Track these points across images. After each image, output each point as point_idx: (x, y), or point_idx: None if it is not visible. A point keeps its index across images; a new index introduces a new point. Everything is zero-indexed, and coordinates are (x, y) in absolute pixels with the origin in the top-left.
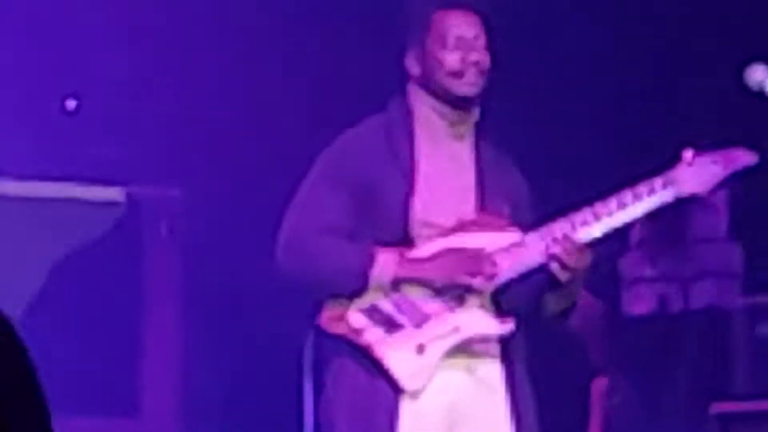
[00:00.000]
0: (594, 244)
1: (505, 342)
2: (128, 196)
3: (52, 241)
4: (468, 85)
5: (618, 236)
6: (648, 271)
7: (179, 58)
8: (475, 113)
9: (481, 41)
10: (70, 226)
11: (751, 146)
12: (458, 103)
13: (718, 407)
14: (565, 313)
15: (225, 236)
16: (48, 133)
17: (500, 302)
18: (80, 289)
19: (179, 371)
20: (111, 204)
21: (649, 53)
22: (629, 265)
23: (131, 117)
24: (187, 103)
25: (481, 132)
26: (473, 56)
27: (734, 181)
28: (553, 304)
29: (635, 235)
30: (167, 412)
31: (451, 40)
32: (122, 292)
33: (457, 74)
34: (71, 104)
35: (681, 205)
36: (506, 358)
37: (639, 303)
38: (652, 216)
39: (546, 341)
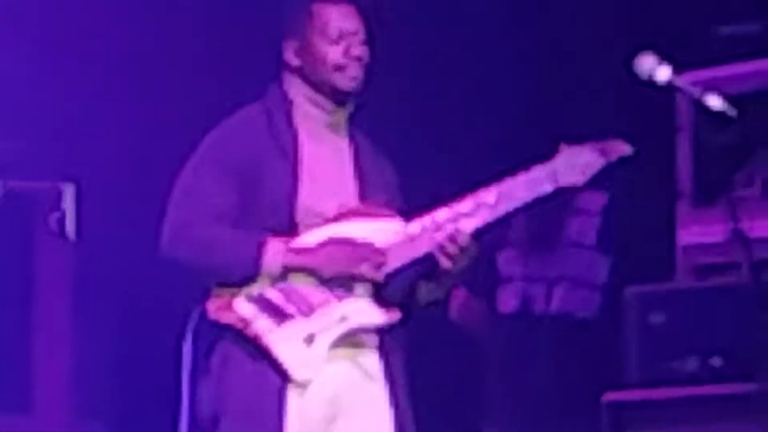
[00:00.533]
0: (476, 234)
1: (382, 332)
2: (9, 189)
3: None
4: (350, 80)
5: (497, 231)
6: (518, 270)
7: (69, 51)
8: (351, 105)
9: (362, 34)
10: None
11: (633, 137)
12: (338, 97)
13: (609, 396)
14: (436, 303)
15: (115, 229)
16: None
17: (380, 291)
18: None
19: (70, 366)
20: None
21: (534, 40)
22: (504, 262)
23: (20, 111)
24: (77, 96)
25: (354, 122)
26: (355, 50)
27: (611, 188)
28: (426, 292)
29: (512, 233)
30: (59, 407)
31: (333, 33)
32: (10, 286)
33: (340, 68)
34: None
35: (558, 205)
36: (384, 349)
37: (507, 301)
38: (531, 212)
39: (429, 331)
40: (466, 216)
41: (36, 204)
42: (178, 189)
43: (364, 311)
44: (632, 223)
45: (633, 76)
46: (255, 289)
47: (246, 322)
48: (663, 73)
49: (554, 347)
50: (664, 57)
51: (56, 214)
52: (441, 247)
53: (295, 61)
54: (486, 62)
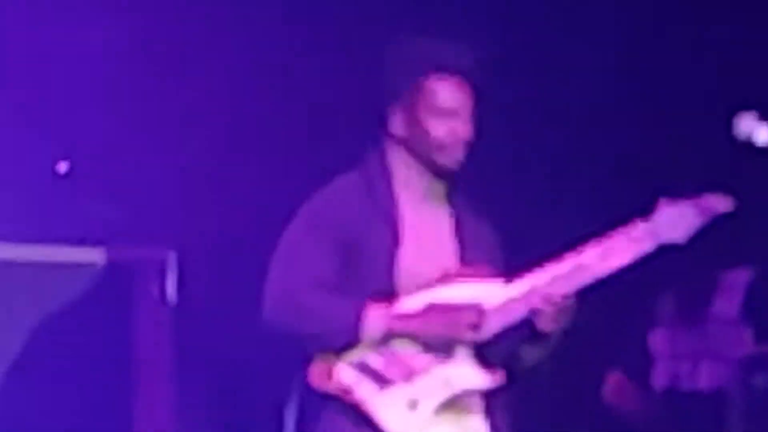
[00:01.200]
0: (578, 294)
1: (487, 395)
2: (109, 257)
3: (31, 305)
4: (452, 159)
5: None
6: (667, 348)
7: (169, 121)
8: (452, 177)
9: (468, 111)
10: (47, 289)
11: (735, 196)
12: (439, 172)
13: None
14: (541, 366)
15: (216, 297)
16: (39, 196)
17: (483, 354)
18: (63, 354)
19: None
20: (89, 266)
21: (635, 94)
22: (654, 341)
23: (123, 179)
24: (178, 164)
25: (455, 187)
26: (460, 129)
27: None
28: (529, 356)
29: (661, 310)
30: None
31: (440, 110)
32: (112, 352)
33: (443, 147)
34: (63, 167)
35: (704, 280)
36: (490, 412)
37: (657, 379)
38: (678, 289)
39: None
40: (564, 278)
41: (138, 272)
42: (279, 255)
43: (467, 375)
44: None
45: (732, 136)
46: (356, 355)
47: (348, 390)
48: (763, 134)
49: (700, 423)
50: (765, 117)
51: (158, 282)
52: (537, 311)
53: (399, 132)
54: (585, 117)
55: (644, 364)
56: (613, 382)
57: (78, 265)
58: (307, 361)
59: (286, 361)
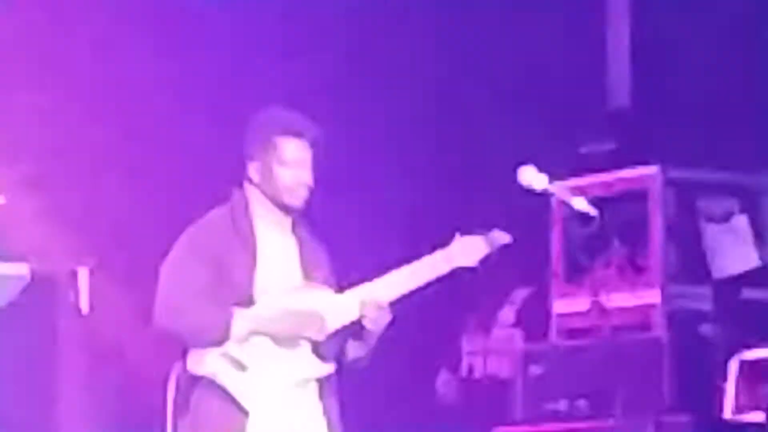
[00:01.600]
0: (393, 303)
1: (320, 380)
2: (32, 271)
3: None
4: (297, 199)
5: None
6: (468, 347)
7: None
8: (296, 213)
9: (309, 163)
10: None
11: (514, 231)
12: (287, 210)
13: (499, 430)
14: (361, 360)
15: (125, 305)
16: None
17: (318, 348)
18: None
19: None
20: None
21: (439, 158)
22: (463, 342)
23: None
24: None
25: (296, 219)
26: (304, 177)
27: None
28: (353, 350)
29: (467, 320)
30: None
31: (285, 159)
32: (34, 350)
33: (290, 189)
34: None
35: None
36: (322, 393)
37: (463, 370)
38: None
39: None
40: (384, 290)
41: (58, 283)
42: (164, 275)
43: (307, 364)
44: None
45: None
46: (224, 348)
47: (215, 374)
48: (540, 181)
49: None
50: (541, 169)
51: (74, 292)
52: (364, 315)
53: (256, 177)
54: (399, 173)
55: (458, 361)
56: (442, 377)
57: (7, 277)
58: (184, 352)
59: (170, 354)
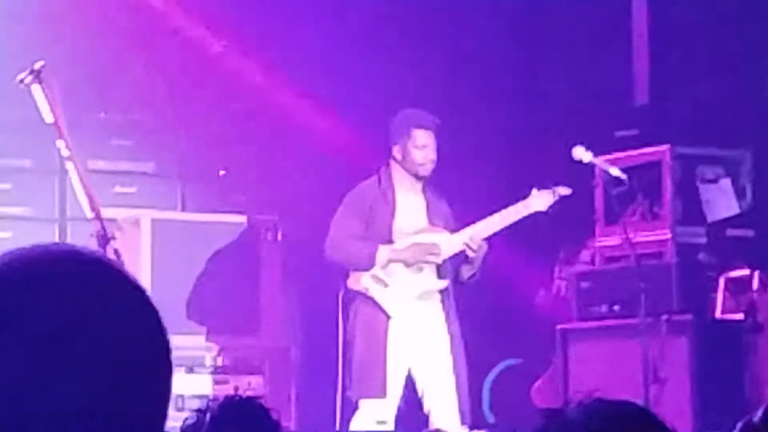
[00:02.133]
0: (488, 238)
1: (441, 292)
2: (248, 219)
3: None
4: (426, 171)
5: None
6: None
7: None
8: (425, 179)
9: (434, 145)
10: (219, 239)
11: (574, 187)
12: (419, 177)
13: (560, 327)
14: (471, 277)
15: (308, 244)
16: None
17: (439, 270)
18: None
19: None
20: (238, 224)
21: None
22: None
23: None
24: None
25: (426, 183)
26: (429, 155)
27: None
28: (465, 272)
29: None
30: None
31: (420, 145)
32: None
33: (422, 164)
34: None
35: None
36: (443, 301)
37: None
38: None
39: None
40: (480, 230)
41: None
42: (333, 222)
43: (429, 280)
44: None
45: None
46: (372, 271)
47: (367, 288)
48: (587, 156)
49: None
50: (588, 148)
51: (272, 233)
52: (467, 245)
53: (398, 156)
54: (487, 147)
55: (550, 283)
56: (540, 294)
57: (232, 224)
58: (347, 275)
59: (338, 277)
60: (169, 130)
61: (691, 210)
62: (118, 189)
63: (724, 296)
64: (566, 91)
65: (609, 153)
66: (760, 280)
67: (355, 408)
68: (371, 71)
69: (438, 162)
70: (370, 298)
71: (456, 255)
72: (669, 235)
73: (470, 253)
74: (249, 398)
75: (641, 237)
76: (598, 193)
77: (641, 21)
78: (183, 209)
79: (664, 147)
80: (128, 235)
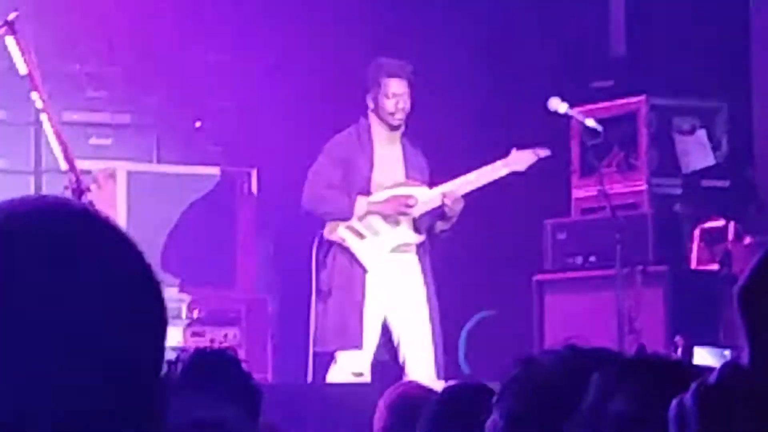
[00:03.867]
0: (465, 195)
1: (417, 245)
2: (221, 171)
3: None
4: (398, 120)
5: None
6: None
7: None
8: (400, 129)
9: (407, 95)
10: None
11: (551, 142)
12: (392, 128)
13: (536, 277)
14: (445, 232)
15: (283, 195)
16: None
17: (415, 223)
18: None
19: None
20: (212, 176)
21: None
22: None
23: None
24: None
25: (403, 135)
26: (401, 104)
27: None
28: (439, 226)
29: None
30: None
31: (390, 94)
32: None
33: (392, 113)
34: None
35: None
36: (419, 254)
37: None
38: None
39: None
40: (458, 186)
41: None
42: (311, 171)
43: (406, 233)
44: (549, 186)
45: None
46: (350, 222)
47: (343, 239)
48: (563, 107)
49: None
50: (564, 99)
51: (248, 186)
52: (444, 201)
53: (371, 105)
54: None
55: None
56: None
57: (206, 176)
58: (323, 224)
59: (315, 226)
60: (144, 82)
61: (667, 161)
62: (93, 141)
63: (699, 247)
64: (543, 42)
65: (585, 104)
66: (735, 231)
67: (331, 360)
68: (349, 19)
69: (415, 114)
70: (347, 249)
71: (432, 209)
72: (644, 186)
73: (447, 209)
74: (220, 350)
75: (617, 188)
76: (574, 145)
77: None
78: (159, 161)
79: (640, 98)
80: (103, 187)
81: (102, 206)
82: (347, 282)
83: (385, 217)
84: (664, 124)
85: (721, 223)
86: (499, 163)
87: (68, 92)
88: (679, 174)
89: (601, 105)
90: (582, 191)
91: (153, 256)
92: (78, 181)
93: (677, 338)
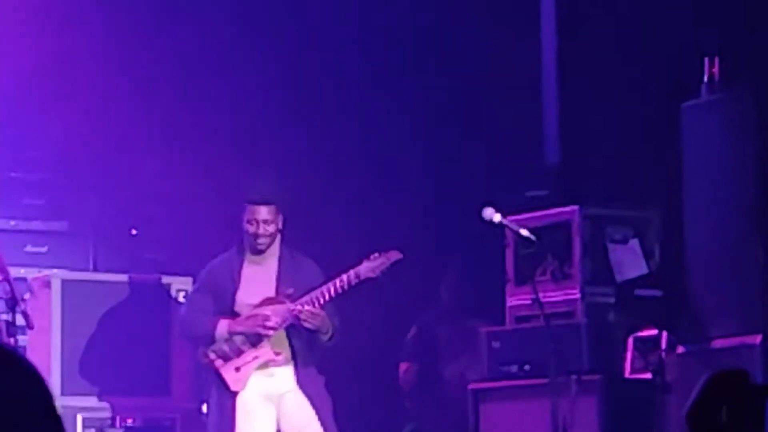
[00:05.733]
0: (323, 307)
1: (295, 355)
2: (159, 279)
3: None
4: (260, 245)
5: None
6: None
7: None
8: (273, 249)
9: (271, 219)
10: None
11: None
12: (257, 251)
13: (472, 386)
14: (330, 339)
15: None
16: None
17: (290, 338)
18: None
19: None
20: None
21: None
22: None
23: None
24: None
25: (285, 247)
26: (259, 229)
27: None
28: (321, 336)
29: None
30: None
31: (248, 218)
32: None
33: (255, 235)
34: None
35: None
36: (296, 365)
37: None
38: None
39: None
40: (309, 301)
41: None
42: (185, 300)
43: (265, 353)
44: (484, 295)
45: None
46: (216, 345)
47: (212, 361)
48: (497, 217)
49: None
50: (498, 207)
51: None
52: (298, 316)
53: (244, 229)
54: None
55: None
56: (403, 369)
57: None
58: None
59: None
60: (81, 189)
61: (600, 270)
62: (29, 248)
63: (633, 356)
64: (477, 149)
65: (519, 212)
66: (668, 340)
67: None
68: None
69: (353, 213)
70: (217, 373)
71: (292, 325)
72: (578, 295)
73: (306, 324)
74: None
75: (551, 297)
76: (509, 254)
77: (550, 79)
78: (95, 269)
79: (573, 208)
80: (38, 295)
81: (37, 314)
82: (219, 403)
83: (248, 336)
84: (598, 233)
85: (654, 332)
86: (351, 271)
87: (4, 199)
88: (613, 283)
89: (535, 214)
90: (516, 299)
91: (87, 364)
92: (12, 290)
93: None
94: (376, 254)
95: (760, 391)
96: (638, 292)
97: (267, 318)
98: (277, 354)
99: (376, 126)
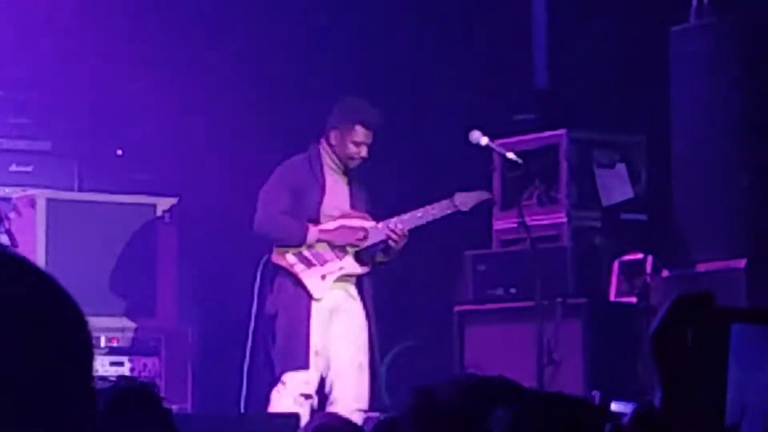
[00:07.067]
0: (410, 231)
1: (360, 276)
2: (145, 200)
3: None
4: (353, 165)
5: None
6: None
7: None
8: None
9: (368, 145)
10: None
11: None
12: (346, 169)
13: (457, 308)
14: (384, 264)
15: (205, 224)
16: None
17: (360, 255)
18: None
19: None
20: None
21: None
22: None
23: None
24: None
25: (351, 174)
26: (362, 152)
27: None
28: (380, 257)
29: None
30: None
31: (356, 140)
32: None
33: (352, 159)
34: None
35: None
36: (361, 284)
37: None
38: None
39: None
40: (405, 222)
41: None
42: (260, 197)
43: (352, 264)
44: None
45: (468, 142)
46: (298, 248)
47: (291, 265)
48: (484, 140)
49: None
50: (485, 131)
51: (169, 216)
52: (390, 237)
53: (332, 140)
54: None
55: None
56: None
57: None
58: (270, 249)
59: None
60: (66, 109)
61: (587, 194)
62: (13, 168)
63: (618, 280)
64: (465, 74)
65: (507, 137)
66: (653, 264)
67: (275, 384)
68: (271, 53)
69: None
70: (294, 275)
71: (378, 243)
72: (564, 219)
73: (392, 243)
74: (142, 384)
75: (537, 221)
76: (495, 177)
77: (539, 3)
78: (80, 189)
79: (561, 131)
80: (23, 214)
81: (21, 234)
82: (295, 305)
83: (333, 247)
84: (584, 157)
85: (639, 256)
86: (445, 202)
87: None
88: (599, 207)
89: (522, 138)
90: (502, 223)
91: (72, 285)
92: None
93: (594, 393)
94: (461, 191)
95: (725, 314)
96: (624, 216)
97: (363, 230)
98: (363, 265)
99: (366, 45)
